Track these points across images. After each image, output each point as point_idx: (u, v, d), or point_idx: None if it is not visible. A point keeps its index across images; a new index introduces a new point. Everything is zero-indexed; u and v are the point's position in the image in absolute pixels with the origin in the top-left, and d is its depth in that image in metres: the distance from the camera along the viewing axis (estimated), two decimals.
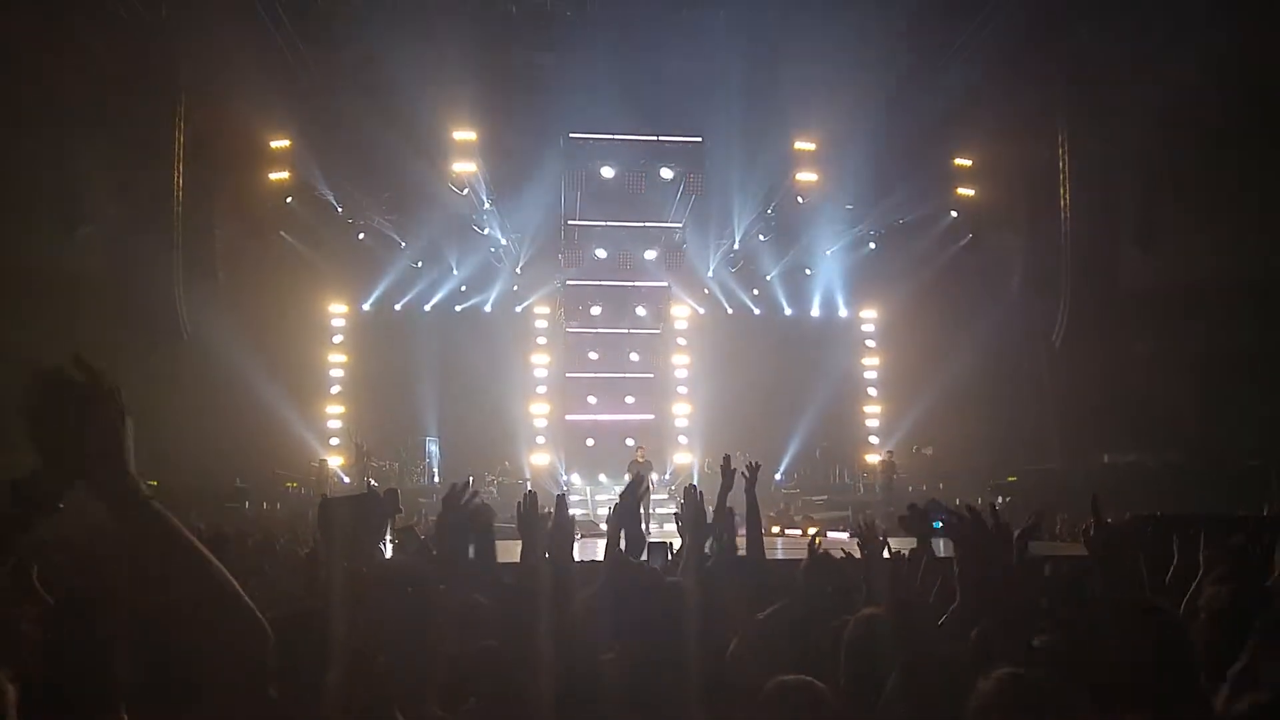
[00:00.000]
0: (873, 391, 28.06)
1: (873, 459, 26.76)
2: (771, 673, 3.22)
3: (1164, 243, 21.99)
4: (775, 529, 19.21)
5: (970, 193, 24.31)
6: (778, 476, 25.42)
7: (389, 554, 5.66)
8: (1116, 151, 21.73)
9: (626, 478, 23.68)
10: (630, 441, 25.31)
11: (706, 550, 5.31)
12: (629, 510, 5.28)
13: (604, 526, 20.17)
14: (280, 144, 21.96)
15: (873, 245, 26.01)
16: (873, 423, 27.74)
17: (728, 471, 5.89)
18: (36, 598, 3.83)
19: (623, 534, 5.07)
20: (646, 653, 3.17)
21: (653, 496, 20.09)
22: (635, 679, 3.13)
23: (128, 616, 3.10)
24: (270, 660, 1.95)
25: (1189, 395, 21.94)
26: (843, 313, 27.84)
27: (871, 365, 28.16)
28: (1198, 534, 5.12)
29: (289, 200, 22.84)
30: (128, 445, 1.84)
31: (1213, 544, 4.79)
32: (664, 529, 17.49)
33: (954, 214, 25.02)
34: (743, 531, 6.15)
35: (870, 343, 28.30)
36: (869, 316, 28.28)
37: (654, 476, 20.70)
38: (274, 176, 22.35)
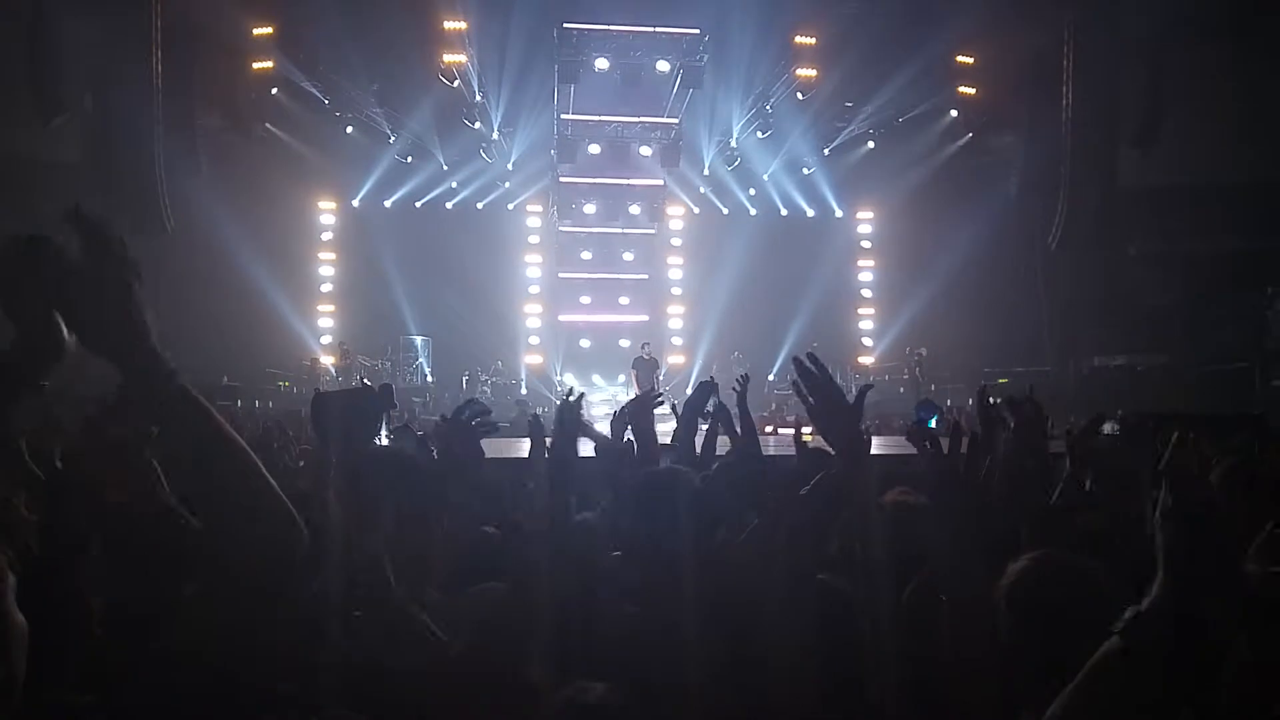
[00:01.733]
0: (867, 294, 27.98)
1: (865, 360, 26.77)
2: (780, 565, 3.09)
3: (1162, 143, 21.75)
4: (768, 429, 19.19)
5: (971, 91, 23.83)
6: (770, 377, 25.42)
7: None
8: (1120, 49, 21.34)
9: (622, 377, 23.88)
10: (625, 342, 25.28)
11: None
12: (644, 412, 5.14)
13: (600, 427, 20.16)
14: (263, 31, 21.24)
15: (871, 144, 25.61)
16: (866, 324, 27.70)
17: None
18: (28, 475, 3.68)
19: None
20: (653, 550, 3.07)
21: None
22: (640, 576, 3.06)
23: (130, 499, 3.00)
24: (298, 548, 1.79)
25: (1179, 297, 22.01)
26: (838, 214, 27.58)
27: (866, 266, 28.06)
28: (1193, 432, 5.04)
29: (274, 91, 22.21)
30: (144, 309, 1.66)
31: (1212, 442, 4.75)
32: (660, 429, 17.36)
33: (954, 113, 24.58)
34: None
35: (865, 244, 28.15)
36: (865, 217, 28.07)
37: (660, 373, 20.45)
38: (257, 66, 21.66)
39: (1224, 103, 20.58)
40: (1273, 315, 19.50)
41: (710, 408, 5.27)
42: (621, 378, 24.14)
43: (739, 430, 5.28)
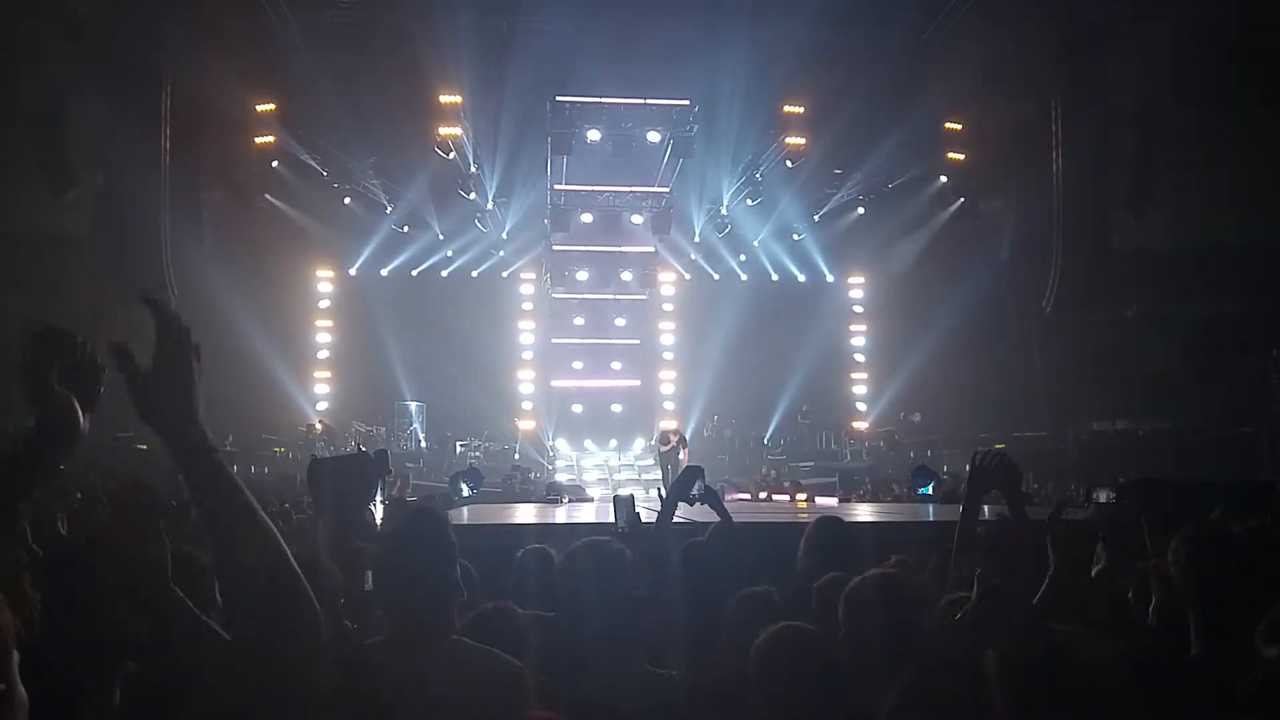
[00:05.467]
0: (860, 358, 28.06)
1: (860, 425, 26.78)
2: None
3: (1156, 206, 21.91)
4: (762, 495, 19.13)
5: (960, 157, 24.15)
6: (765, 441, 25.50)
7: (379, 516, 5.57)
8: (1109, 114, 21.59)
9: (614, 442, 24.15)
10: (617, 407, 26.03)
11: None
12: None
13: (589, 492, 20.15)
14: (266, 107, 21.78)
15: (861, 210, 25.92)
16: (860, 389, 27.74)
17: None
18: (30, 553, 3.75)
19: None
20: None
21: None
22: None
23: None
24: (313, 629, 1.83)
25: (1179, 361, 21.87)
26: (829, 278, 27.80)
27: (859, 331, 28.15)
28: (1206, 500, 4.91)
29: (275, 164, 22.70)
30: (199, 392, 1.79)
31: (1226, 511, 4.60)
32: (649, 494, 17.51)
33: (944, 178, 24.90)
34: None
35: (858, 309, 28.27)
36: (856, 282, 28.25)
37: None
38: (259, 140, 22.20)
39: (1216, 166, 20.69)
40: (1278, 378, 19.24)
41: (697, 491, 5.25)
42: (613, 443, 24.47)
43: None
